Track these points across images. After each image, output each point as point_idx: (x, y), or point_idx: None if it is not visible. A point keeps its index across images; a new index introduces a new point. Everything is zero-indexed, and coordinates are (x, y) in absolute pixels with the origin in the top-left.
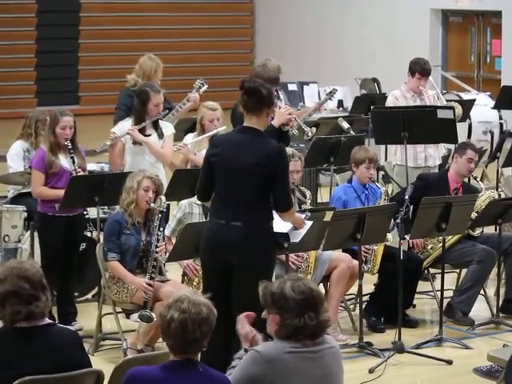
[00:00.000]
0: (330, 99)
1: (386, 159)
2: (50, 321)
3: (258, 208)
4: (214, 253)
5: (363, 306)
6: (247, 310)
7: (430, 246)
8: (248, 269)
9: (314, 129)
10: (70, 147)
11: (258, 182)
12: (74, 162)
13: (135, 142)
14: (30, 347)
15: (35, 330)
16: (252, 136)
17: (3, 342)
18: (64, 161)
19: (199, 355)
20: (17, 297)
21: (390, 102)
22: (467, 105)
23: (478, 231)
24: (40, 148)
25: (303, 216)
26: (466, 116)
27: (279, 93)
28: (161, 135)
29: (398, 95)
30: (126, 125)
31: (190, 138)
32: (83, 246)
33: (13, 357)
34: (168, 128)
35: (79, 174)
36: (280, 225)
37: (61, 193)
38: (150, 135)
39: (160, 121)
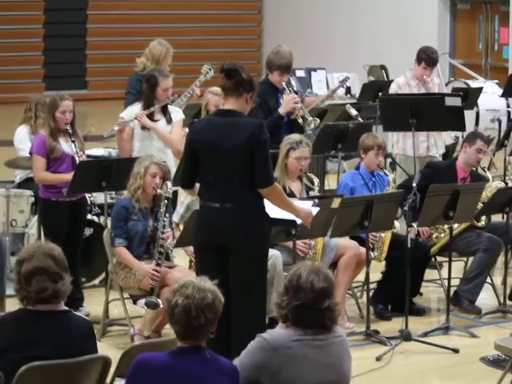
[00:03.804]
0: (343, 87)
1: (393, 146)
2: (66, 307)
3: (249, 187)
4: (210, 237)
5: (370, 294)
6: (245, 293)
7: (434, 235)
8: (246, 251)
9: (318, 120)
10: (70, 131)
11: (246, 161)
12: (75, 146)
13: (143, 127)
14: (44, 331)
15: (51, 315)
16: (232, 117)
17: (19, 324)
18: (65, 145)
19: None
20: (44, 273)
21: (392, 90)
22: (475, 92)
23: (482, 222)
24: (39, 133)
25: (310, 203)
26: (473, 104)
27: (290, 79)
28: (169, 120)
29: (401, 83)
30: (135, 109)
31: None
32: (90, 231)
33: (26, 339)
34: (177, 113)
35: (82, 158)
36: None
37: (64, 177)
38: (158, 120)
39: (169, 106)
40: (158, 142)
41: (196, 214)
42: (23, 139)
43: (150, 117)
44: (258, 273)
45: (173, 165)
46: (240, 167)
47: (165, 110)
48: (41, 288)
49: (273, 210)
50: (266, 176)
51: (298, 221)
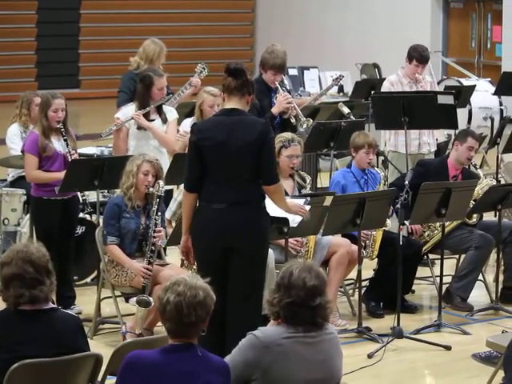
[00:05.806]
0: (337, 85)
1: (385, 145)
2: (54, 305)
3: (255, 186)
4: (215, 238)
5: (362, 291)
6: (247, 292)
7: (426, 233)
8: (250, 250)
9: (311, 120)
10: (62, 130)
11: (253, 160)
12: (67, 145)
13: (139, 127)
14: (31, 330)
15: (38, 314)
16: (238, 116)
17: (5, 325)
18: (57, 144)
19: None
20: (21, 280)
21: (385, 88)
22: (467, 91)
23: (474, 219)
24: (32, 131)
25: (302, 201)
26: (466, 102)
27: (283, 78)
28: (164, 120)
29: (393, 81)
30: (130, 109)
31: (188, 124)
32: (82, 229)
33: (14, 339)
34: (171, 113)
35: (74, 156)
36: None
37: (55, 176)
38: (153, 120)
39: (163, 105)
40: (153, 140)
41: (198, 214)
42: (14, 138)
43: (146, 116)
44: (260, 272)
45: (167, 164)
46: (248, 166)
47: (160, 110)
48: (17, 294)
49: (269, 208)
50: (274, 174)
51: (297, 218)
